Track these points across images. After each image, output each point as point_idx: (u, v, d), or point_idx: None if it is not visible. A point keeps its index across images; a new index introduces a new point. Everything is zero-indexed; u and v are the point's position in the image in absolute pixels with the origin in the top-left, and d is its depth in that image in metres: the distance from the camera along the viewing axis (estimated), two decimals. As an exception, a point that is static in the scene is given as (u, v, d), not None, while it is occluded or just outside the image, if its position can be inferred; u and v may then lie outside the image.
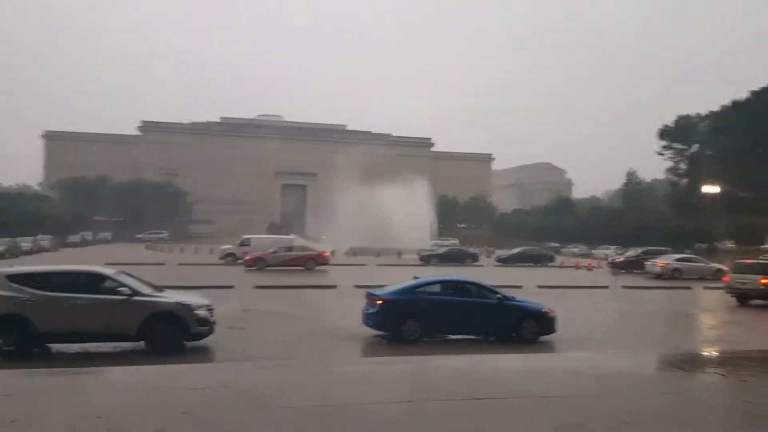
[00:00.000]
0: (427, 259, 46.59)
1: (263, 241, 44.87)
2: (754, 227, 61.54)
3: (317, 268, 37.63)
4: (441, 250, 50.76)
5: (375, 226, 59.39)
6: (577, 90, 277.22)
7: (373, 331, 14.99)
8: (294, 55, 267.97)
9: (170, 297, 12.99)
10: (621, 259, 43.50)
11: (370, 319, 14.84)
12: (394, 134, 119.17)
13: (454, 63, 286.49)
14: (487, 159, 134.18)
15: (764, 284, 22.62)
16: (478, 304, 15.10)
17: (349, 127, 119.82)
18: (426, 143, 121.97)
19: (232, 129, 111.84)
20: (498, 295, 15.33)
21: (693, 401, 8.41)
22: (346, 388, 8.70)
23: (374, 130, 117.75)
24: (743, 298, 23.62)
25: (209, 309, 13.10)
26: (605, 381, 9.60)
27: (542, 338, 14.91)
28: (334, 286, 27.33)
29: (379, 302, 14.77)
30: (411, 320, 14.54)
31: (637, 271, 39.03)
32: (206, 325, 12.80)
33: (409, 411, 7.64)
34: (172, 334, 12.31)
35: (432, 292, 15.43)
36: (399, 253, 53.80)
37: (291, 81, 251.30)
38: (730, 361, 11.12)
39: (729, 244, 59.57)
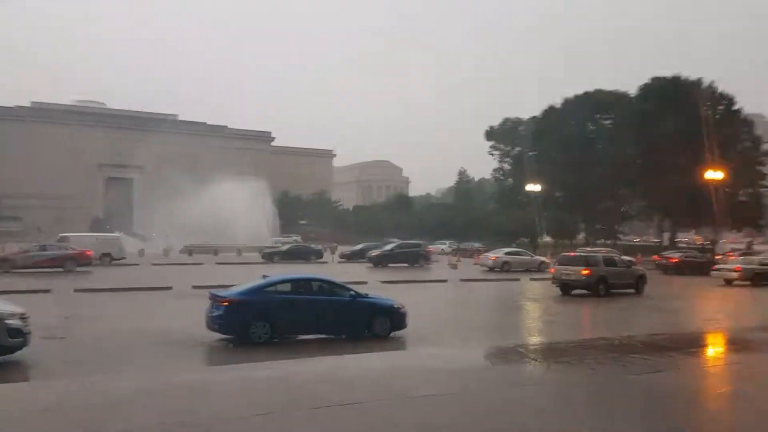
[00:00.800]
0: (269, 257, 45.25)
1: (84, 239, 40.46)
2: (568, 223, 68.46)
3: (79, 269, 33.11)
4: (284, 247, 49.65)
5: (212, 222, 56.57)
6: (413, 90, 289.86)
7: (218, 335, 13.79)
8: (124, 41, 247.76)
9: (-25, 306, 10.82)
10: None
11: (215, 322, 13.65)
12: (231, 126, 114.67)
13: (297, 59, 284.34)
14: (328, 155, 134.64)
15: (586, 275, 24.84)
16: (330, 303, 14.60)
17: (183, 118, 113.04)
18: (266, 137, 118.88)
19: (45, 115, 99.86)
20: (351, 293, 14.96)
21: (550, 391, 8.60)
22: (193, 402, 7.63)
23: (210, 122, 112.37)
24: (566, 288, 25.72)
25: (23, 317, 11.20)
26: (463, 376, 9.55)
27: (394, 334, 14.80)
28: (169, 287, 25.20)
29: (225, 304, 13.63)
30: (260, 322, 13.61)
31: (362, 260, 43.71)
32: (19, 337, 10.96)
33: (268, 425, 6.84)
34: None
35: (282, 291, 14.60)
36: (239, 251, 51.69)
37: (124, 69, 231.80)
38: (575, 349, 11.73)
39: (547, 239, 65.53)
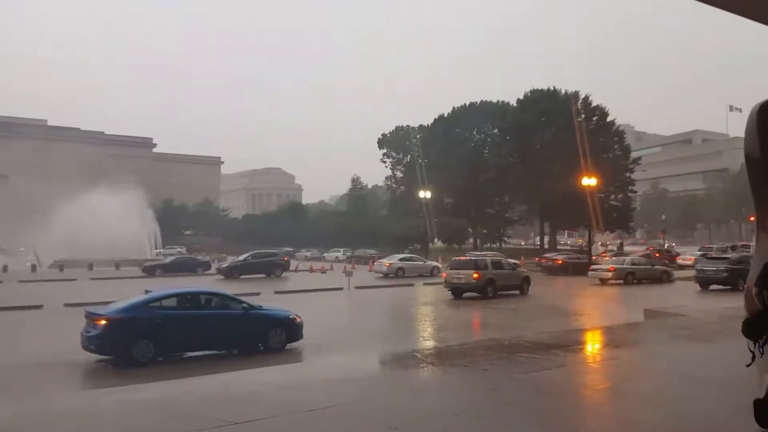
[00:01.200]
0: (151, 270, 42.78)
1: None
2: (457, 228, 70.82)
3: None
4: (167, 260, 47.18)
5: (85, 235, 52.52)
6: (305, 96, 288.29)
7: (93, 357, 12.72)
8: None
9: None
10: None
11: (92, 343, 12.61)
12: (108, 132, 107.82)
13: (183, 64, 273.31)
14: (216, 162, 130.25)
15: (476, 279, 25.68)
16: (221, 316, 13.97)
17: (52, 123, 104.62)
18: (147, 143, 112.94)
19: None
20: (243, 305, 14.39)
21: (449, 395, 8.63)
22: (74, 429, 6.87)
23: (84, 127, 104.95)
24: (458, 291, 26.46)
25: None
26: (362, 385, 9.37)
27: (290, 346, 14.42)
28: (39, 306, 23.04)
29: (103, 322, 12.61)
30: (143, 340, 12.74)
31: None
32: None
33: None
34: None
35: (167, 306, 13.79)
36: (117, 265, 48.49)
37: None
38: (468, 351, 11.93)
39: (439, 244, 67.37)
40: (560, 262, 43.23)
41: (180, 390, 9.01)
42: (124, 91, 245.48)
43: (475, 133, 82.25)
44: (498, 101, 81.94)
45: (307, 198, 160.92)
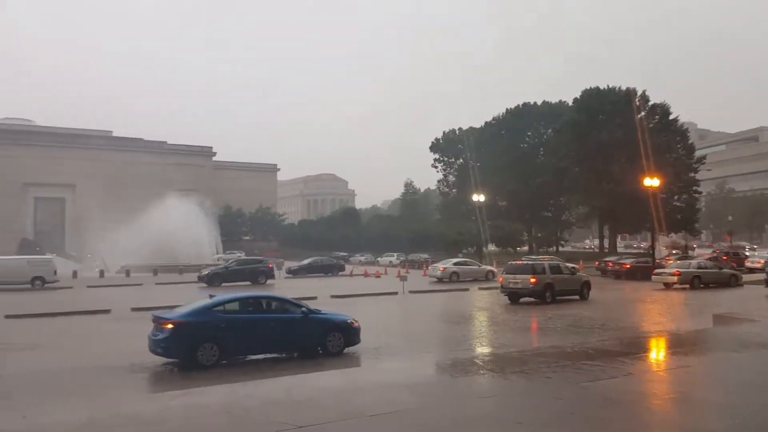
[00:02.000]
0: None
1: (12, 262, 38.29)
2: (511, 231, 69.77)
3: None
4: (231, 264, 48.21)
5: (150, 241, 54.40)
6: (360, 103, 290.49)
7: (160, 360, 13.12)
8: (53, 57, 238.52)
9: None
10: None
11: (159, 346, 12.96)
12: (170, 142, 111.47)
13: (240, 73, 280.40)
14: (272, 169, 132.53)
15: (534, 283, 25.18)
16: (281, 320, 14.16)
17: (117, 134, 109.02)
18: (207, 152, 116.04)
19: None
20: (303, 309, 14.53)
21: (512, 402, 8.50)
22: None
23: (147, 137, 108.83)
24: (515, 296, 26.00)
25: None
26: (423, 391, 9.36)
27: (348, 350, 14.49)
28: (107, 311, 24.01)
29: (170, 326, 12.97)
30: (208, 343, 13.01)
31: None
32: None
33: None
34: None
35: (230, 310, 14.02)
36: (180, 270, 50.01)
37: (54, 86, 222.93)
38: (529, 358, 11.74)
39: (492, 248, 66.48)
40: (628, 266, 41.53)
41: (244, 393, 9.22)
42: (183, 101, 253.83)
43: (528, 135, 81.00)
44: (552, 102, 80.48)
45: (360, 203, 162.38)
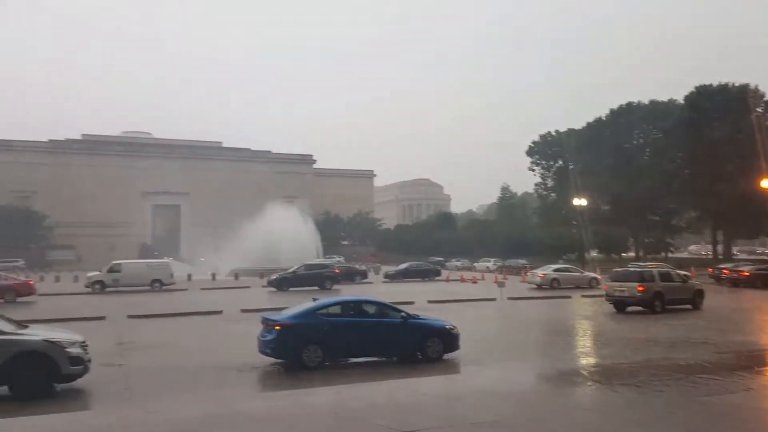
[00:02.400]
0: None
1: (134, 266, 41.51)
2: (616, 237, 66.79)
3: (21, 299, 30.62)
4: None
5: (257, 246, 57.18)
6: (453, 107, 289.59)
7: (268, 360, 13.78)
8: (167, 71, 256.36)
9: (36, 334, 11.13)
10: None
11: (268, 347, 13.61)
12: (274, 151, 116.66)
13: (333, 81, 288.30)
14: (369, 175, 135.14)
15: (641, 291, 23.98)
16: (382, 325, 14.43)
17: (226, 144, 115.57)
18: (307, 160, 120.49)
19: (95, 147, 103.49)
20: (402, 314, 14.74)
21: (621, 416, 8.20)
22: (258, 430, 7.56)
23: (253, 147, 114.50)
24: (621, 305, 24.87)
25: (83, 346, 11.45)
26: (526, 401, 9.26)
27: (447, 356, 14.52)
28: (219, 312, 25.49)
29: (277, 328, 13.60)
30: (313, 345, 13.52)
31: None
32: (80, 364, 11.15)
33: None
34: (39, 377, 10.61)
35: (333, 314, 14.47)
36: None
37: (164, 99, 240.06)
38: (639, 370, 11.25)
39: (594, 254, 63.95)
40: (746, 273, 38.49)
41: (349, 395, 9.52)
42: (284, 112, 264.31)
43: (634, 135, 77.22)
44: (659, 101, 76.18)
45: (456, 207, 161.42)
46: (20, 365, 10.42)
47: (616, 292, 25.06)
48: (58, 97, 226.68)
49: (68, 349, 10.98)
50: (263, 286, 40.03)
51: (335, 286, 38.60)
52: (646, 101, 77.14)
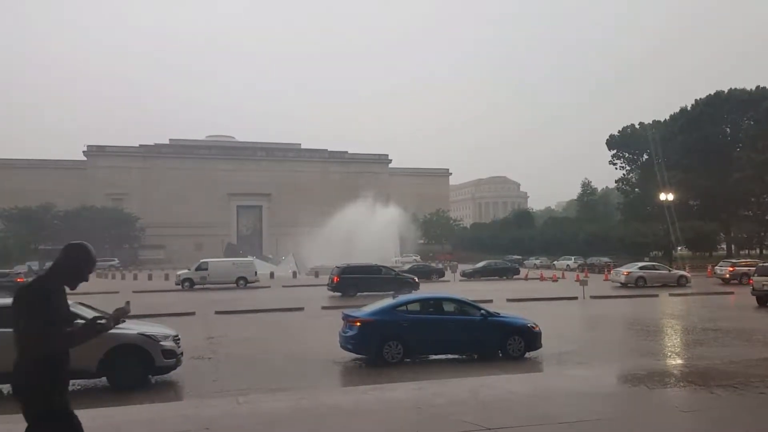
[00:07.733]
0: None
1: (221, 264, 43.32)
2: (704, 233, 63.27)
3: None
4: (405, 267, 50.00)
5: (337, 244, 58.29)
6: (529, 103, 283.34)
7: (350, 355, 14.05)
8: (244, 77, 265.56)
9: (132, 328, 11.82)
10: None
11: (349, 342, 13.89)
12: (350, 152, 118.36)
13: (408, 82, 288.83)
14: (444, 174, 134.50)
15: None
16: (461, 322, 14.39)
17: (304, 146, 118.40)
18: (383, 160, 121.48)
19: (182, 151, 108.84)
20: (482, 312, 14.63)
21: (719, 419, 7.79)
22: (345, 423, 7.74)
23: (330, 148, 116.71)
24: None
25: (175, 340, 12.09)
26: (614, 401, 8.97)
27: (528, 354, 14.29)
28: (301, 308, 26.20)
29: (358, 324, 13.84)
30: (393, 341, 13.68)
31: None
32: (173, 357, 11.78)
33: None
34: (136, 369, 11.32)
35: (413, 310, 14.57)
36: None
37: (243, 103, 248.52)
38: (739, 371, 10.61)
39: (682, 251, 60.85)
40: None
41: (432, 391, 9.54)
42: (360, 113, 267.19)
43: (723, 126, 72.83)
44: (751, 89, 71.36)
45: (533, 205, 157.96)
46: (118, 358, 11.06)
47: (764, 286, 24.79)
48: (147, 103, 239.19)
49: (162, 343, 11.60)
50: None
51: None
52: (734, 89, 72.53)
